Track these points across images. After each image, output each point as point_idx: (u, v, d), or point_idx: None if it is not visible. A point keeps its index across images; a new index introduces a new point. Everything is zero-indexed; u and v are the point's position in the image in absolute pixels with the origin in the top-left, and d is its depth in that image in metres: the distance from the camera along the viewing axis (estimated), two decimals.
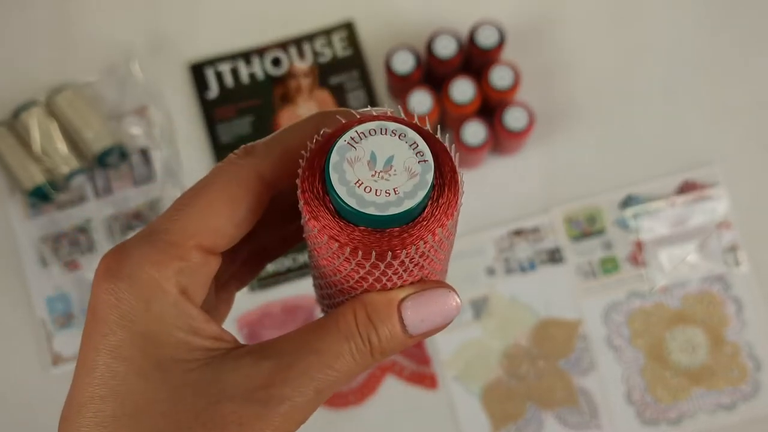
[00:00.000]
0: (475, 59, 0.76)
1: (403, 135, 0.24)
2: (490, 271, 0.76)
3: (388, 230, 0.24)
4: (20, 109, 0.77)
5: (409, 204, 0.23)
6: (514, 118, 0.73)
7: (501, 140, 0.75)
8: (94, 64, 0.80)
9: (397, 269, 0.25)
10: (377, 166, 0.23)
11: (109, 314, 0.24)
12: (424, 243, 0.24)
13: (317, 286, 0.30)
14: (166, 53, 0.82)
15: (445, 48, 0.75)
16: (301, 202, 0.24)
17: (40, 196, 0.76)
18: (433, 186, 0.24)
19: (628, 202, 0.77)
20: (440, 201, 0.24)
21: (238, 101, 0.81)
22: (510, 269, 0.77)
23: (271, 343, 0.25)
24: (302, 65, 0.82)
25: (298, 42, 0.82)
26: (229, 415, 0.23)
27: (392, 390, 0.74)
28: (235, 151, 0.27)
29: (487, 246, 0.76)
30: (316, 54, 0.82)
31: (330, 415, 0.74)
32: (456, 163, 0.25)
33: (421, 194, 0.23)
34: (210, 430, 0.23)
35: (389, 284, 0.25)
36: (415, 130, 0.24)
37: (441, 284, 0.26)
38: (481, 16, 0.76)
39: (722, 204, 0.78)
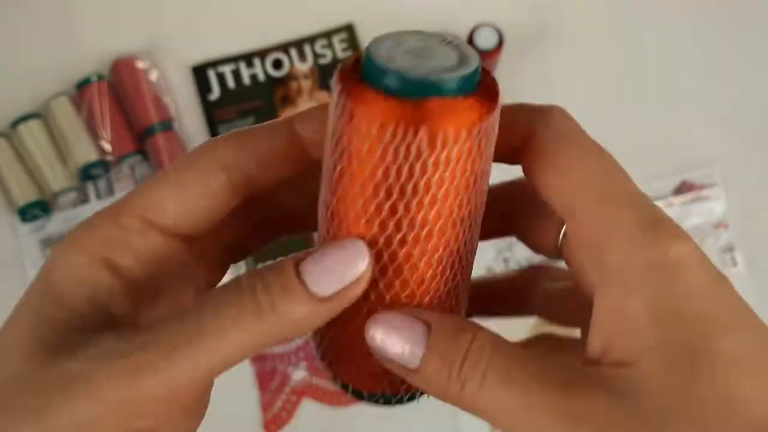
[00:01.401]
0: None
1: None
2: (489, 271, 0.77)
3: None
4: (18, 121, 0.78)
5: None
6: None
7: None
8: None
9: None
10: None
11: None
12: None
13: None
14: (168, 55, 0.82)
15: None
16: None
17: (30, 218, 0.78)
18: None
19: None
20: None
21: (239, 103, 0.81)
22: (509, 269, 0.77)
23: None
24: (303, 67, 0.82)
25: (298, 44, 0.83)
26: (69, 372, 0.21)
27: None
28: (214, 138, 0.26)
29: (486, 246, 0.77)
30: (316, 56, 0.82)
31: (329, 414, 0.74)
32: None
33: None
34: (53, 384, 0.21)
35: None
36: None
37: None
38: (480, 18, 0.77)
39: (720, 204, 0.78)
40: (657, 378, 0.20)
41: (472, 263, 0.27)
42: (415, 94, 0.21)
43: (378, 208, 0.23)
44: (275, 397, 0.74)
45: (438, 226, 0.23)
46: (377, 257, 0.24)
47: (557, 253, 0.28)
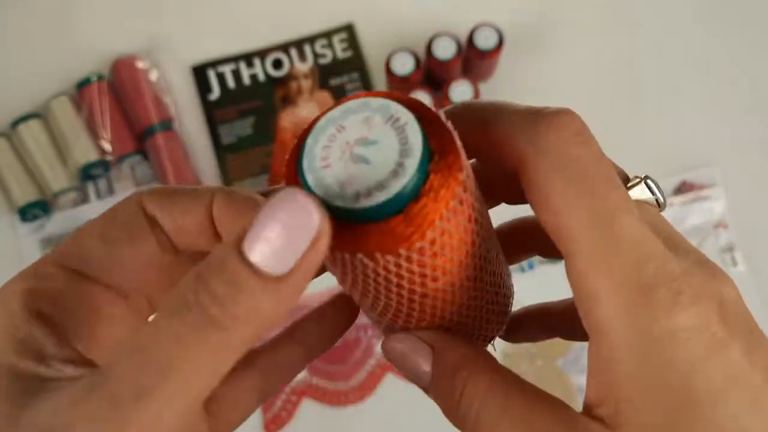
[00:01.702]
0: (474, 61, 0.77)
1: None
2: None
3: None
4: (18, 121, 0.78)
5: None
6: None
7: None
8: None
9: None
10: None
11: None
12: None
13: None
14: (168, 55, 0.82)
15: (445, 50, 0.75)
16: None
17: (30, 218, 0.78)
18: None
19: None
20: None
21: (239, 102, 0.81)
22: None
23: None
24: (303, 67, 0.82)
25: (299, 44, 0.83)
26: None
27: (392, 388, 0.74)
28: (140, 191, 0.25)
29: None
30: (316, 56, 0.82)
31: (329, 414, 0.74)
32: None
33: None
34: None
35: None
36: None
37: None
38: (480, 18, 0.77)
39: (719, 204, 0.78)
40: None
41: (497, 282, 0.26)
42: (347, 219, 0.19)
43: (382, 312, 0.23)
44: (275, 397, 0.74)
45: (432, 302, 0.23)
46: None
47: None
